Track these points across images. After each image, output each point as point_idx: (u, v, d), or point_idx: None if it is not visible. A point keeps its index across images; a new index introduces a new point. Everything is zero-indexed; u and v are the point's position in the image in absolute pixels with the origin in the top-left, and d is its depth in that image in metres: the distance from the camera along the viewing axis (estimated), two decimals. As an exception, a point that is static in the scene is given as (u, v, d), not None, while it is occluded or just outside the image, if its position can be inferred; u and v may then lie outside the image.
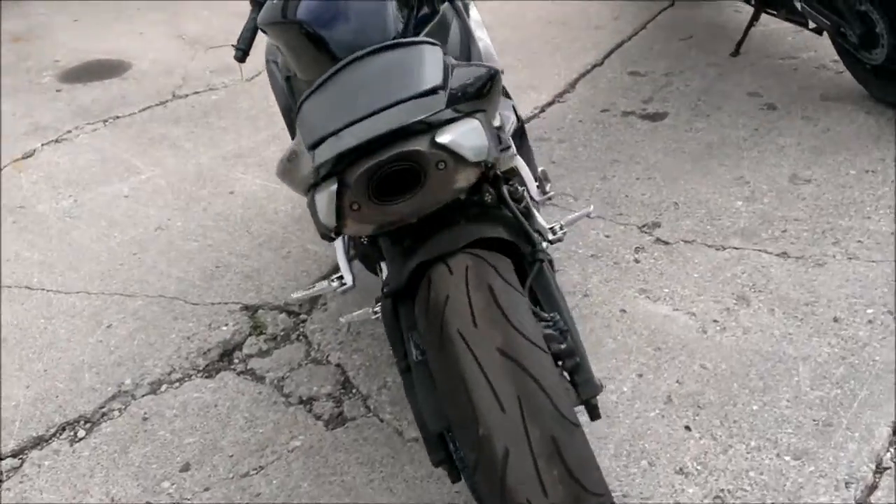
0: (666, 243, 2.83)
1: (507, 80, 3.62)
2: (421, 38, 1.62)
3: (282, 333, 2.69)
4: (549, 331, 1.67)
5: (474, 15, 2.36)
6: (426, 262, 1.68)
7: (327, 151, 1.35)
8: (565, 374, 1.69)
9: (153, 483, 2.23)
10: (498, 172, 1.80)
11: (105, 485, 2.25)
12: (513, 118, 2.17)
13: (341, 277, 1.84)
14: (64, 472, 2.30)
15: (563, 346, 1.66)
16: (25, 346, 2.75)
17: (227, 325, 2.73)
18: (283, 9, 1.98)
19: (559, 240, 2.10)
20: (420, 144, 1.31)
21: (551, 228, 2.08)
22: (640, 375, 2.33)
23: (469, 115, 1.41)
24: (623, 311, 2.56)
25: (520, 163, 1.82)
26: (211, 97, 4.28)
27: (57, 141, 4.03)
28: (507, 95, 2.28)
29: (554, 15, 4.65)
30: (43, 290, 3.00)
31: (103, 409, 2.48)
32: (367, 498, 2.09)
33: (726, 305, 2.53)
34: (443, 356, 1.51)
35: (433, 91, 1.37)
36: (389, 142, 1.32)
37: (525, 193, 1.85)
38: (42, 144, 4.01)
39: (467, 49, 2.22)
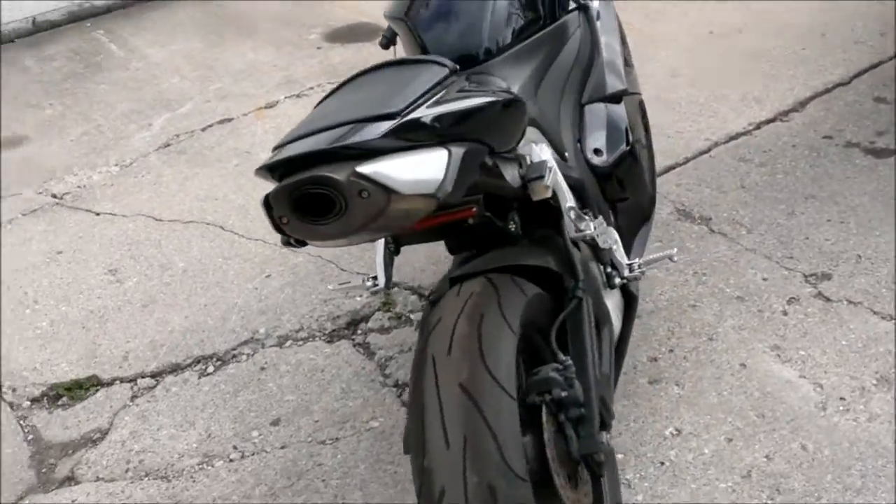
0: (826, 300, 2.53)
1: (731, 91, 3.36)
2: (432, 56, 1.57)
3: (407, 314, 2.78)
4: (553, 374, 1.59)
5: (610, 24, 2.24)
6: (456, 277, 1.68)
7: (273, 158, 1.36)
8: (567, 423, 1.61)
9: (245, 430, 2.44)
10: (550, 201, 1.73)
11: (209, 421, 2.49)
12: (622, 143, 2.06)
13: (376, 277, 1.87)
14: (183, 401, 2.58)
15: (564, 394, 1.58)
16: (198, 281, 3.08)
17: (362, 296, 2.87)
18: (407, 7, 2.01)
19: (635, 278, 1.99)
20: (338, 171, 1.27)
21: (630, 265, 1.97)
22: (730, 440, 2.14)
23: (442, 143, 1.35)
24: (743, 365, 2.35)
25: (560, 194, 1.73)
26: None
27: (298, 95, 4.39)
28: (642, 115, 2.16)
29: (815, 24, 4.22)
30: (232, 232, 3.33)
31: (234, 352, 2.74)
32: (410, 494, 2.14)
33: (862, 384, 2.23)
34: (415, 377, 1.51)
35: (387, 116, 1.34)
36: (319, 162, 1.30)
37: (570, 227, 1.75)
38: (285, 97, 4.38)
39: (587, 62, 2.12)
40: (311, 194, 1.26)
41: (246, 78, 4.68)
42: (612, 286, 1.96)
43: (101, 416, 2.59)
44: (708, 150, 3.35)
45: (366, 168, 1.25)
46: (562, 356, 1.64)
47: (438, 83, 1.44)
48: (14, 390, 2.74)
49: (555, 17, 2.07)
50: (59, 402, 2.68)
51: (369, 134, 1.29)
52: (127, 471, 2.39)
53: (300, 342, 2.74)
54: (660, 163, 3.27)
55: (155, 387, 2.66)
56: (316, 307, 2.85)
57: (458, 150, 1.35)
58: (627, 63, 2.32)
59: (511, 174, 1.64)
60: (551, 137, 1.87)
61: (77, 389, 2.71)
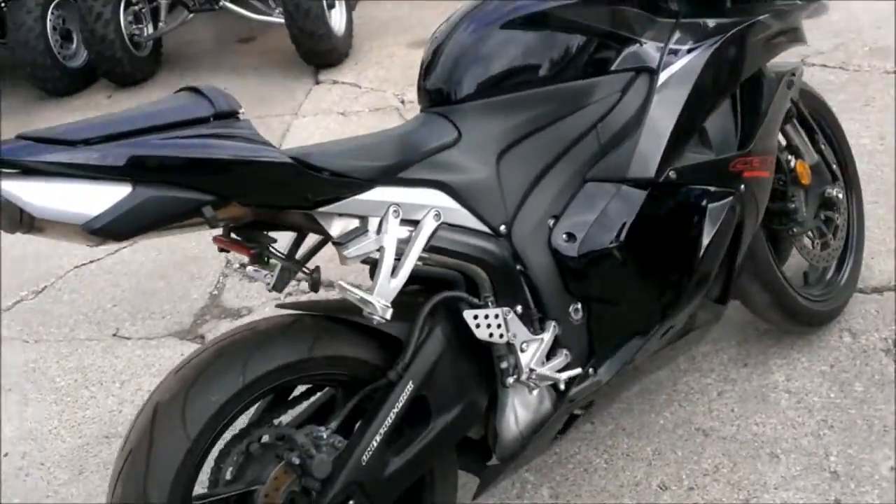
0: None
1: None
2: (209, 92, 1.44)
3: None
4: (296, 436, 1.55)
5: (677, 98, 1.79)
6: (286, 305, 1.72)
7: None
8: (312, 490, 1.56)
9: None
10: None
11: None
12: (609, 236, 1.72)
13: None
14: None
15: (296, 460, 1.53)
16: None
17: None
18: (437, 32, 1.88)
19: (529, 387, 1.71)
20: None
21: (531, 371, 1.69)
22: None
23: (135, 181, 1.32)
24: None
25: (379, 270, 1.54)
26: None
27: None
28: None
29: None
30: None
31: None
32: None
33: None
34: None
35: (65, 142, 1.32)
36: None
37: None
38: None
39: (616, 134, 1.77)
40: None
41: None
42: (503, 385, 1.71)
43: (254, 299, 3.02)
44: None
45: (3, 183, 1.29)
46: (326, 426, 1.59)
47: (179, 123, 1.39)
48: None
49: (593, 73, 1.77)
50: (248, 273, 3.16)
51: (31, 154, 1.30)
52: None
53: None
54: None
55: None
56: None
57: (144, 192, 1.31)
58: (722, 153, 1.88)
59: (339, 230, 1.54)
60: (480, 206, 1.67)
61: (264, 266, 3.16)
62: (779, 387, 2.25)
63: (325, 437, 1.56)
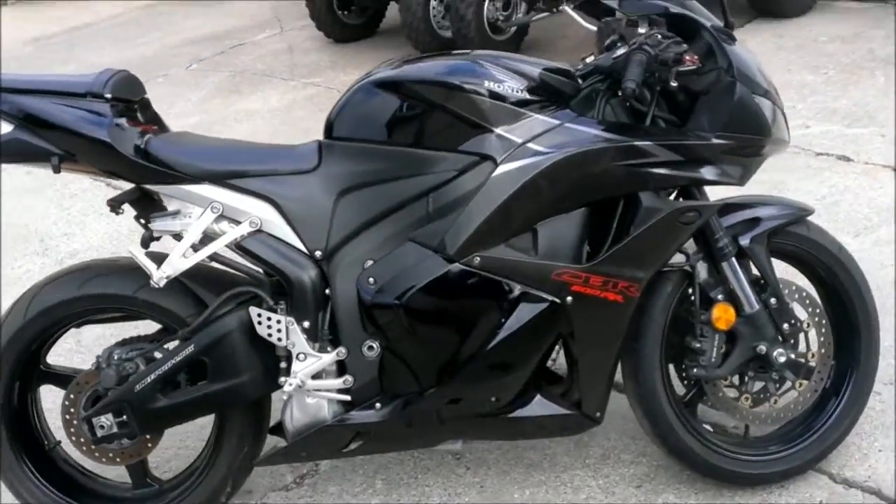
0: None
1: None
2: (109, 76, 1.92)
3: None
4: (126, 353, 2.06)
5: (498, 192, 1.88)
6: None
7: None
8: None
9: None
10: None
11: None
12: (394, 295, 1.92)
13: None
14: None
15: (93, 367, 2.08)
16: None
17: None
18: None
19: (291, 386, 1.97)
20: None
21: (294, 378, 1.97)
22: None
23: (19, 125, 1.89)
24: None
25: (175, 252, 1.94)
26: None
27: None
28: None
29: None
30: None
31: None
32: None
33: None
34: None
35: None
36: None
37: None
38: None
39: (444, 208, 1.93)
40: None
41: None
42: (278, 383, 2.00)
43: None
44: None
45: None
46: (128, 352, 2.05)
47: (63, 93, 1.92)
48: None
49: (438, 147, 1.94)
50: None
51: None
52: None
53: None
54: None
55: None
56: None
57: (17, 133, 1.89)
58: (534, 247, 1.92)
59: (172, 207, 1.99)
60: (303, 228, 1.96)
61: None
62: (644, 519, 2.17)
63: (115, 358, 2.03)
